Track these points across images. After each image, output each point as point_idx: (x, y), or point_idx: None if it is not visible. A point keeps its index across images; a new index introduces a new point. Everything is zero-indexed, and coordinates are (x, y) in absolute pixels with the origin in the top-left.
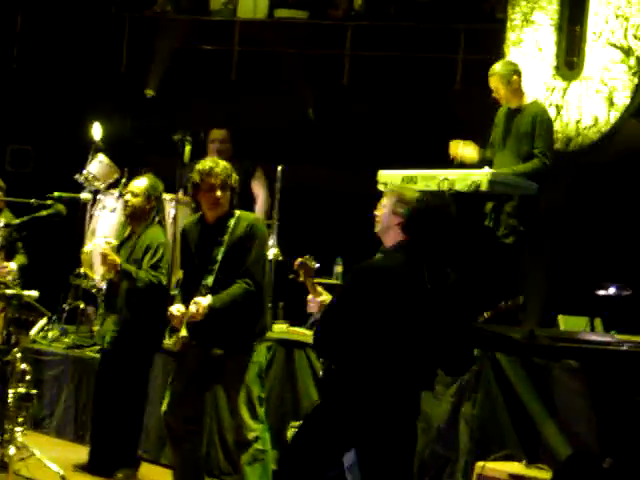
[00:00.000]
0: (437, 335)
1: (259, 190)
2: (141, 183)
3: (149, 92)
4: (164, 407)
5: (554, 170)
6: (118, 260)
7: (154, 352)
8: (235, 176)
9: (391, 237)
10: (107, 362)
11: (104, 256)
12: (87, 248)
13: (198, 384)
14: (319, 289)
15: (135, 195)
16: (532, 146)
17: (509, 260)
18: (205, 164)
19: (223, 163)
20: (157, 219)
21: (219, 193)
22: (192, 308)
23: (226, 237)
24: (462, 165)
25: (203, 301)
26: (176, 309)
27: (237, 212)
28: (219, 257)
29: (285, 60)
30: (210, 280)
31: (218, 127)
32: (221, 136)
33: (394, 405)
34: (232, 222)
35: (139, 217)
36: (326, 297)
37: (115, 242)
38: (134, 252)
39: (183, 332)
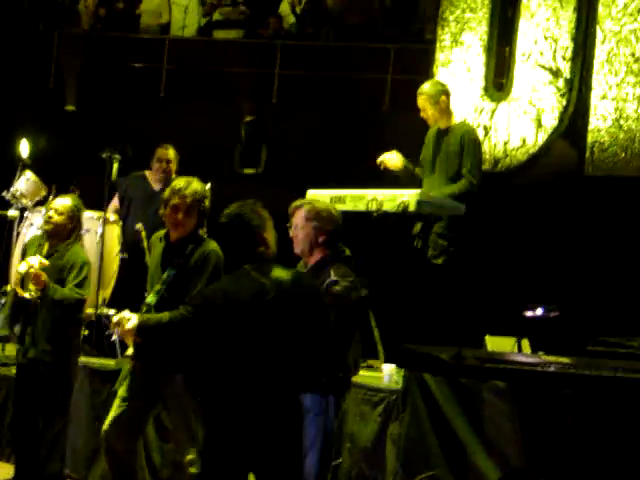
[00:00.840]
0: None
1: None
2: (66, 202)
3: (70, 107)
4: (105, 426)
5: (482, 191)
6: (45, 279)
7: (70, 368)
8: (207, 202)
9: (315, 255)
10: (23, 378)
11: (34, 275)
12: (21, 269)
13: (141, 403)
14: None
15: (60, 213)
16: (460, 166)
17: (439, 280)
18: (179, 182)
19: (196, 186)
20: (77, 238)
21: (181, 216)
22: (115, 318)
23: (180, 261)
24: (392, 183)
25: (129, 315)
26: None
27: (204, 239)
28: (168, 279)
29: (216, 77)
30: (154, 299)
31: (164, 146)
32: (167, 156)
33: (277, 412)
34: (191, 247)
35: (60, 235)
36: None
37: (47, 262)
38: (59, 271)
39: (129, 350)
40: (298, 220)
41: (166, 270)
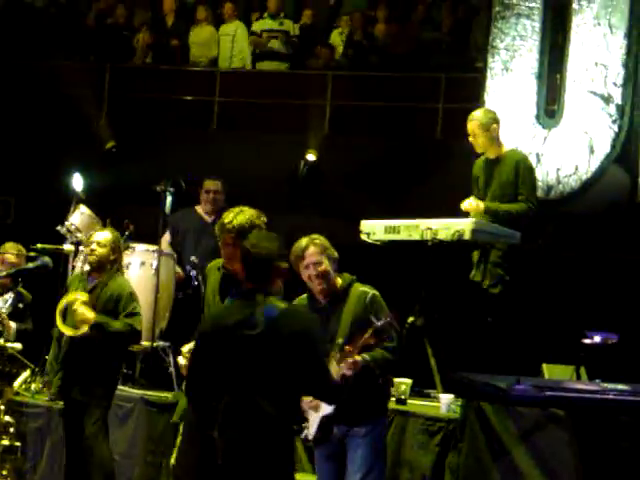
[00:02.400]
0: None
1: None
2: (106, 235)
3: (110, 144)
4: (172, 461)
5: (536, 218)
6: (91, 315)
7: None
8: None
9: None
10: (71, 412)
11: (76, 311)
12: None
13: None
14: None
15: (102, 246)
16: (515, 193)
17: (496, 310)
18: (226, 216)
19: (241, 219)
20: (119, 270)
21: (230, 250)
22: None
23: None
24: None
25: None
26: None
27: None
28: None
29: (269, 109)
30: None
31: (212, 178)
32: (215, 187)
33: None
34: None
35: (102, 267)
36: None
37: (87, 296)
38: (105, 303)
39: None
40: (315, 258)
41: (225, 298)
